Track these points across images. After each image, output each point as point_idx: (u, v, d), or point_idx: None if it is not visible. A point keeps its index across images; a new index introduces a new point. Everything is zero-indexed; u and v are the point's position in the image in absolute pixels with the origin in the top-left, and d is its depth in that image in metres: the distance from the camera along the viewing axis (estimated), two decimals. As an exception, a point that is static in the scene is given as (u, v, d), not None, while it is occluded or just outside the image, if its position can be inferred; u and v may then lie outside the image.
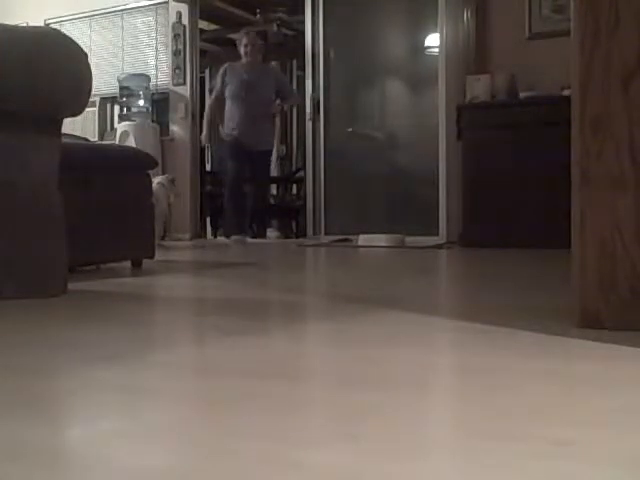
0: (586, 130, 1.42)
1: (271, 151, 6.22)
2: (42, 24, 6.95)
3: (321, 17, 6.11)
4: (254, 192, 6.03)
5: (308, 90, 6.20)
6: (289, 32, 8.04)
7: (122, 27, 7.07)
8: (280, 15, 7.83)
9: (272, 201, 7.17)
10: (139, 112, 6.70)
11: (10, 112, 2.02)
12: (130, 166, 3.24)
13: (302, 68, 6.57)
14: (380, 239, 5.20)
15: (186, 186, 6.64)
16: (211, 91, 6.37)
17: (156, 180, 4.99)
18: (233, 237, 5.73)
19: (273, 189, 7.63)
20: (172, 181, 5.26)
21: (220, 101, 6.04)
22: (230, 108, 5.92)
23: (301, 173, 6.96)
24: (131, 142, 6.21)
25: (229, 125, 5.92)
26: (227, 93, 5.92)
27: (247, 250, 5.10)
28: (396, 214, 5.82)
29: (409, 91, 6.03)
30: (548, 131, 4.51)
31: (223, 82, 5.98)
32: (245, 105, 5.84)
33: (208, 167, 8.42)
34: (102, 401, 0.97)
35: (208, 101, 6.36)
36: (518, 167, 4.72)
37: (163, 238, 5.46)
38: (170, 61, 6.78)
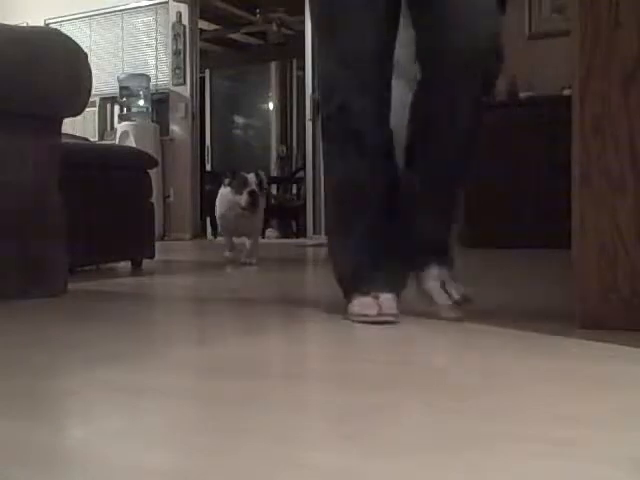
0: (586, 130, 1.42)
1: None
2: (42, 24, 6.96)
3: (321, 17, 6.11)
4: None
5: (308, 90, 6.19)
6: (289, 32, 8.04)
7: (122, 27, 7.07)
8: (280, 15, 7.84)
9: (272, 201, 7.15)
10: (139, 112, 6.70)
11: (10, 112, 2.02)
12: (130, 166, 3.24)
13: (302, 68, 6.57)
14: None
15: (186, 186, 6.65)
16: None
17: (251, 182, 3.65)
18: (374, 294, 1.55)
19: (272, 189, 7.59)
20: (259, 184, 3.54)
21: None
22: None
23: (301, 173, 6.97)
24: (131, 142, 6.20)
25: None
26: None
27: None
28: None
29: (409, 91, 6.02)
30: (548, 131, 4.51)
31: None
32: None
33: (208, 167, 8.44)
34: (102, 401, 0.97)
35: None
36: (518, 167, 4.71)
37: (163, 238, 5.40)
38: (170, 61, 6.78)
